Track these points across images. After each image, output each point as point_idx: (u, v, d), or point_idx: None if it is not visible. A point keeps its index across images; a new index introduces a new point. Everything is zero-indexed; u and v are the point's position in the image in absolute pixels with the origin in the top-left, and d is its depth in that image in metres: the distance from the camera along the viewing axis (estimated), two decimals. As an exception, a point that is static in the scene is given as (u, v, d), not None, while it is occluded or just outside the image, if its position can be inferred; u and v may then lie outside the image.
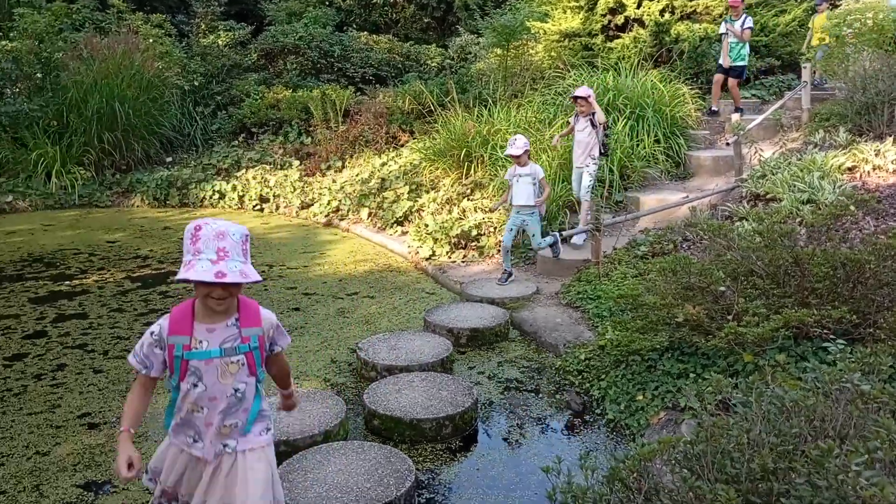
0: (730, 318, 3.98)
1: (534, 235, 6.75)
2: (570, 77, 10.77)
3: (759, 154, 7.84)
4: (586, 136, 7.13)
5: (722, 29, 9.91)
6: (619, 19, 12.25)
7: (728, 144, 8.16)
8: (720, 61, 10.10)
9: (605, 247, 6.80)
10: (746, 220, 5.97)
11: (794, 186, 6.42)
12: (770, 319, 3.70)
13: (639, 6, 11.93)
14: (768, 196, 6.63)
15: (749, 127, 8.20)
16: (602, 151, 7.20)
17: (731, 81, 10.00)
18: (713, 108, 10.48)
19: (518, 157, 6.59)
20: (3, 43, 12.95)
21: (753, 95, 10.96)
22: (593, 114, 7.03)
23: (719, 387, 2.67)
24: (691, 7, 11.76)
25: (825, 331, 3.84)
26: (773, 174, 6.89)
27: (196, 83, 14.25)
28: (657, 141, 9.13)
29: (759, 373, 2.80)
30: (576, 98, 7.12)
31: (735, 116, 9.44)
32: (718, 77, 10.20)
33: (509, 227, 6.79)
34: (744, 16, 9.71)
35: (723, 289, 4.11)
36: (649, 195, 8.32)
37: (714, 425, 2.26)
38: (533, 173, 6.63)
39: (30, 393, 4.80)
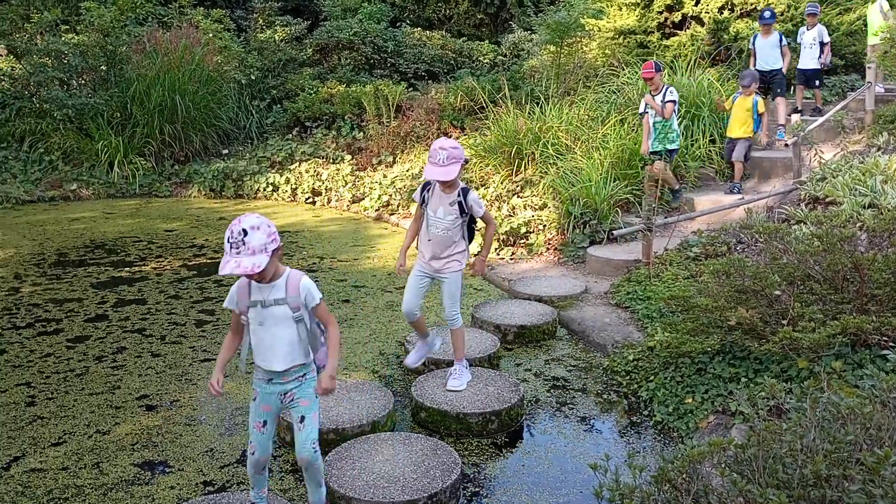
0: (784, 322, 3.91)
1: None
2: (624, 75, 10.66)
3: (820, 156, 7.63)
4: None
5: (641, 108, 7.93)
6: (676, 16, 12.05)
7: (787, 146, 7.98)
8: (641, 149, 8.03)
9: (657, 247, 6.73)
10: (804, 223, 5.83)
11: (856, 190, 6.24)
12: (827, 325, 3.62)
13: (697, 3, 11.73)
14: (828, 199, 6.46)
15: (809, 128, 8.00)
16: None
17: (658, 167, 7.52)
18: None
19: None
20: (71, 37, 13.42)
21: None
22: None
23: (772, 391, 2.63)
24: (752, 4, 11.50)
25: (884, 338, 3.74)
26: (834, 177, 6.71)
27: (253, 77, 14.52)
28: (712, 141, 8.98)
29: (814, 379, 2.75)
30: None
31: (795, 117, 9.22)
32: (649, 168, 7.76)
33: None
34: (665, 87, 7.67)
35: (778, 293, 4.03)
36: (703, 196, 8.19)
37: (766, 430, 2.23)
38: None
39: (91, 374, 4.99)
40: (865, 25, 11.07)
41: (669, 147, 7.73)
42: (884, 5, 10.17)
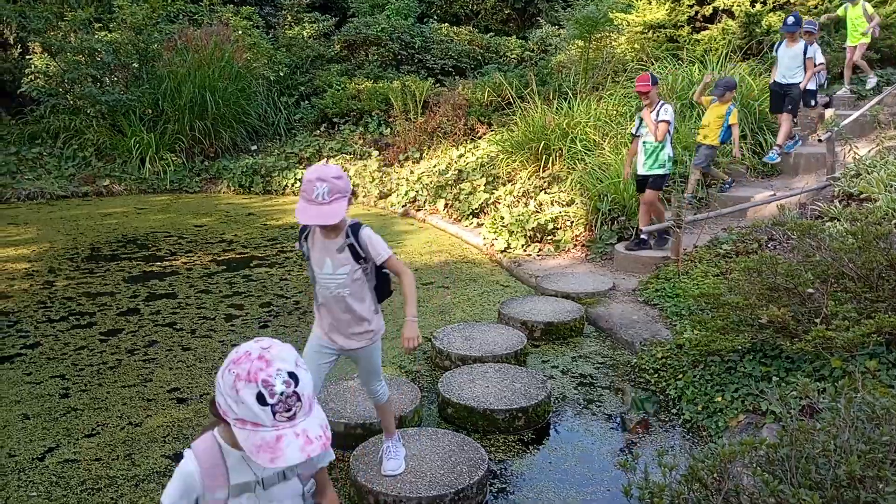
0: (817, 321, 3.84)
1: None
2: (654, 69, 10.54)
3: (854, 152, 7.48)
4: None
5: (634, 128, 6.91)
6: (707, 10, 11.90)
7: (820, 141, 7.83)
8: (631, 169, 7.05)
9: (686, 244, 6.65)
10: (838, 220, 5.73)
11: (891, 186, 6.11)
12: (861, 324, 3.56)
13: (728, -4, 11.56)
14: (862, 196, 6.33)
15: (844, 123, 7.84)
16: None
17: (648, 195, 6.81)
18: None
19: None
20: (104, 34, 13.62)
21: (849, 90, 10.46)
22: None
23: (805, 391, 2.60)
24: (785, -3, 11.31)
25: (921, 338, 3.66)
26: (869, 173, 6.57)
27: (281, 73, 14.63)
28: (743, 136, 8.84)
29: (848, 379, 2.70)
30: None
31: (829, 112, 9.04)
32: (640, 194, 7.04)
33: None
34: (659, 103, 6.59)
35: (811, 290, 3.97)
36: (734, 192, 8.09)
37: (799, 429, 2.20)
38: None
39: (123, 367, 5.07)
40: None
41: (657, 172, 6.68)
42: (867, 7, 9.85)
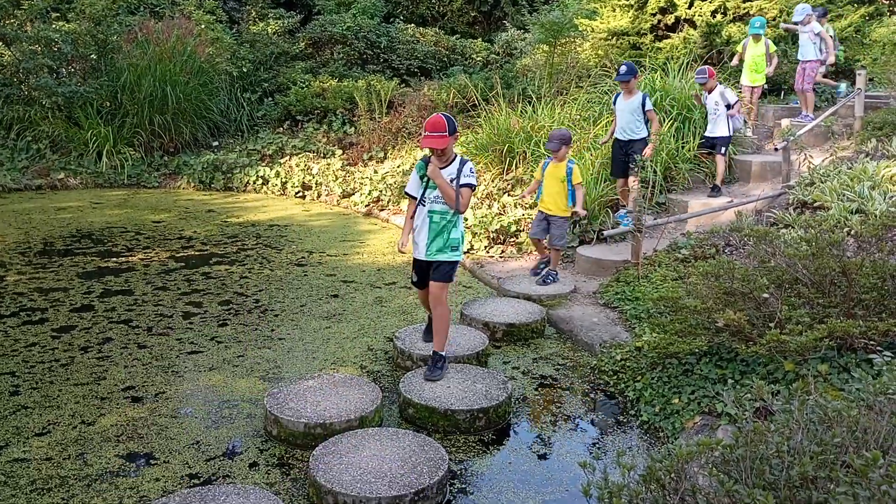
0: (772, 325, 3.93)
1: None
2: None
3: (809, 161, 7.69)
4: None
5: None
6: (670, 19, 12.10)
7: (777, 150, 8.02)
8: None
9: (646, 248, 6.75)
10: (792, 227, 5.88)
11: (844, 195, 6.29)
12: (814, 329, 3.65)
13: (690, 6, 11.77)
14: (816, 204, 6.51)
15: (799, 133, 8.05)
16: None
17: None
18: None
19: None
20: (62, 24, 13.29)
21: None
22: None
23: (759, 393, 2.65)
24: (745, 9, 11.56)
25: (870, 342, 3.77)
26: (822, 182, 6.76)
27: (244, 69, 14.45)
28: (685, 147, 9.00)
29: (801, 382, 2.77)
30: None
31: (785, 122, 9.26)
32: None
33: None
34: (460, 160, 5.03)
35: (766, 295, 4.06)
36: (693, 198, 8.23)
37: (754, 431, 2.24)
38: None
39: (76, 364, 4.95)
40: (857, 33, 11.17)
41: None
42: (770, 44, 9.76)
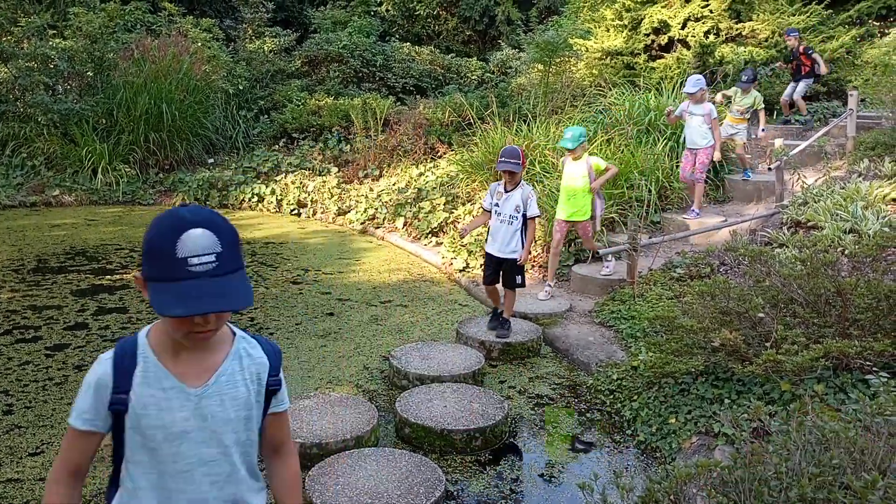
0: (768, 345, 3.94)
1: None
2: (611, 95, 10.76)
3: (802, 181, 7.74)
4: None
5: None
6: (663, 39, 12.22)
7: (770, 169, 8.07)
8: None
9: (641, 267, 6.77)
10: (786, 246, 5.90)
11: (837, 215, 6.33)
12: (809, 348, 3.66)
13: (683, 27, 11.90)
14: (809, 224, 6.54)
15: (792, 153, 8.11)
16: None
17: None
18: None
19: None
20: (58, 41, 13.33)
21: (797, 122, 10.83)
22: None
23: (757, 413, 2.65)
24: (737, 30, 11.69)
25: (866, 363, 3.78)
26: (816, 202, 6.80)
27: (240, 87, 14.51)
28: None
29: (798, 402, 2.77)
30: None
31: (778, 142, 9.33)
32: None
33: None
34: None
35: (761, 315, 4.07)
36: (687, 217, 8.27)
37: (752, 452, 2.25)
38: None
39: (70, 383, 4.92)
40: (848, 54, 11.27)
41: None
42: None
